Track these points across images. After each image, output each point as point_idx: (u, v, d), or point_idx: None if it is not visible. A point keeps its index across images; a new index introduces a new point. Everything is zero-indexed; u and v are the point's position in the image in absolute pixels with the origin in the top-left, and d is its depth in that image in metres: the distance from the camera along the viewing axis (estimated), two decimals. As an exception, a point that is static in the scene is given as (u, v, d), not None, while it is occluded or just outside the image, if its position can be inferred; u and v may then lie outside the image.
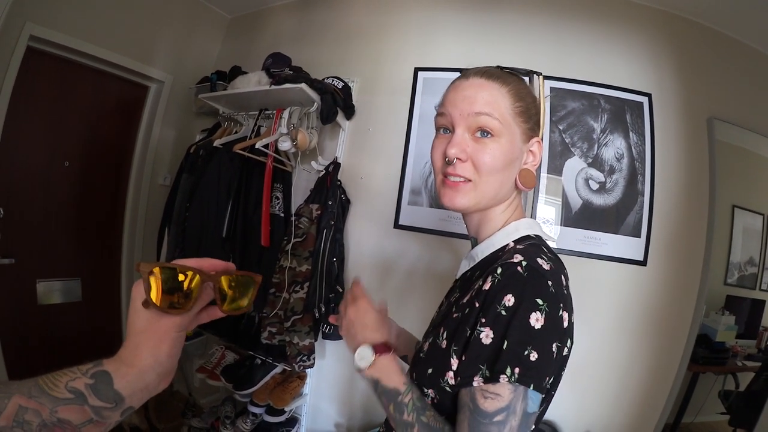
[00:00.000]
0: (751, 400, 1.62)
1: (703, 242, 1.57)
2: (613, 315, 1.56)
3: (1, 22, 1.50)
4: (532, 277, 0.50)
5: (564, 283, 0.53)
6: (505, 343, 0.48)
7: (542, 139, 0.66)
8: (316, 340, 1.69)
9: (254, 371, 1.81)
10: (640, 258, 1.60)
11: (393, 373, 0.60)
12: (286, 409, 1.75)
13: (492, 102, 0.59)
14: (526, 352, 0.47)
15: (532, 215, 1.65)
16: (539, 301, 0.48)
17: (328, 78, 1.80)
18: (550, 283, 0.50)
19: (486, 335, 0.50)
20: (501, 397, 0.48)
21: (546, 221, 1.66)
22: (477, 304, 0.53)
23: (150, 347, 0.40)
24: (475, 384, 0.49)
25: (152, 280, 0.39)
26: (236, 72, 2.00)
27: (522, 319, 0.48)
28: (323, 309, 1.65)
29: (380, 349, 0.63)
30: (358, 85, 1.91)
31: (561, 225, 1.65)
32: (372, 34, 1.96)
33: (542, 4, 1.76)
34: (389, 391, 0.58)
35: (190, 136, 2.32)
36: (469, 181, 0.60)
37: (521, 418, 0.48)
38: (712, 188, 1.62)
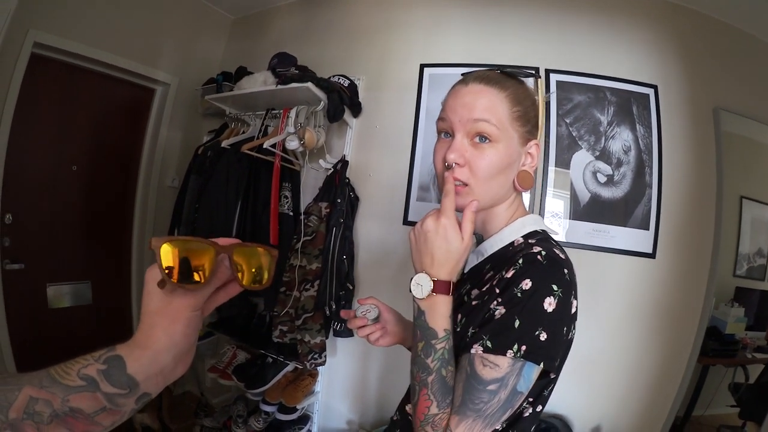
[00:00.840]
0: (760, 393, 1.62)
1: (711, 234, 1.57)
2: (622, 308, 1.56)
3: (4, 30, 1.50)
4: (551, 265, 0.54)
5: (574, 272, 0.58)
6: (517, 322, 0.51)
7: (540, 142, 0.68)
8: (327, 337, 1.70)
9: (266, 370, 1.82)
10: (649, 250, 1.60)
11: (440, 315, 0.57)
12: (298, 407, 1.76)
13: (490, 108, 0.61)
14: (536, 333, 0.51)
15: (541, 209, 1.65)
16: (554, 287, 0.52)
17: (334, 76, 1.80)
18: (566, 271, 0.55)
19: (498, 312, 0.54)
20: (499, 368, 0.51)
21: (555, 214, 1.66)
22: (497, 290, 0.56)
23: (164, 327, 0.39)
24: (473, 351, 0.53)
25: (164, 255, 0.38)
26: (242, 72, 2.01)
27: (536, 302, 0.52)
28: (334, 306, 1.65)
29: (441, 287, 0.57)
30: (365, 82, 1.91)
31: (570, 219, 1.65)
32: (377, 31, 1.96)
33: (546, -3, 1.76)
34: (428, 330, 0.58)
35: (198, 137, 2.34)
36: (466, 185, 0.62)
37: (509, 393, 0.52)
38: (719, 179, 1.61)
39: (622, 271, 1.58)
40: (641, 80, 1.67)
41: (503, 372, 0.51)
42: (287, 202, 1.79)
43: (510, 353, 0.50)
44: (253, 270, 0.45)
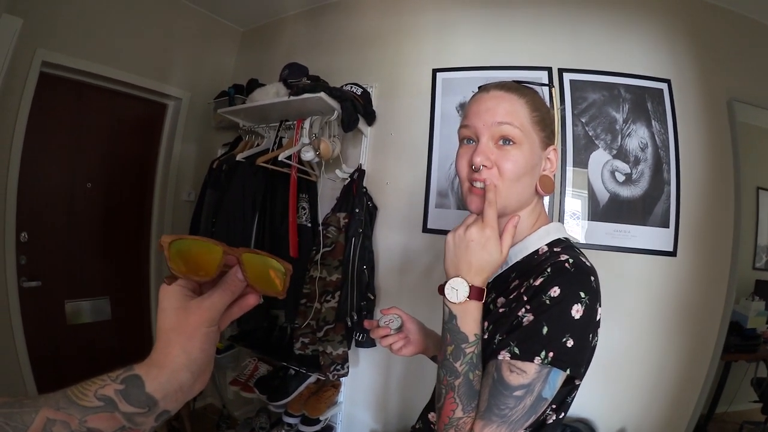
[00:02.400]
0: None
1: (730, 228, 1.55)
2: (645, 309, 1.54)
3: (11, 49, 1.50)
4: (579, 273, 0.56)
5: (598, 279, 0.58)
6: (545, 328, 0.52)
7: (558, 148, 0.70)
8: (349, 348, 1.70)
9: (288, 382, 1.82)
10: (670, 249, 1.58)
11: (472, 320, 0.58)
12: (321, 418, 1.75)
13: (512, 112, 0.63)
14: (564, 339, 0.52)
15: (561, 209, 1.64)
16: (582, 294, 0.53)
17: (346, 85, 1.80)
18: (592, 278, 0.56)
19: (527, 319, 0.54)
20: (526, 374, 0.52)
21: (574, 214, 1.64)
22: (525, 298, 0.57)
23: (181, 344, 0.38)
24: (500, 357, 0.54)
25: (172, 252, 0.38)
26: (254, 85, 2.01)
27: (564, 309, 0.53)
28: (355, 317, 1.65)
29: (476, 293, 0.58)
30: (377, 90, 1.90)
31: (589, 220, 1.63)
32: (388, 37, 1.96)
33: (555, -4, 1.75)
34: (458, 334, 0.59)
35: (212, 150, 2.35)
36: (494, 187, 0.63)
37: (535, 399, 0.52)
38: (736, 171, 1.59)
39: (643, 271, 1.56)
40: (654, 75, 1.66)
41: (530, 378, 0.52)
42: (305, 213, 1.79)
43: (537, 359, 0.51)
44: (264, 277, 0.45)
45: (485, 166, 0.62)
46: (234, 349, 2.11)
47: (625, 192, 1.65)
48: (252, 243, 1.76)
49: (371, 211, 1.77)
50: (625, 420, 1.53)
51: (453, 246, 0.62)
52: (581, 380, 0.59)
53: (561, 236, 0.67)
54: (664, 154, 1.64)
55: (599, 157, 1.66)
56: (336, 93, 1.66)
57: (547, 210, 1.58)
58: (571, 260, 0.57)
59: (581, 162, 1.67)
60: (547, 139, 0.67)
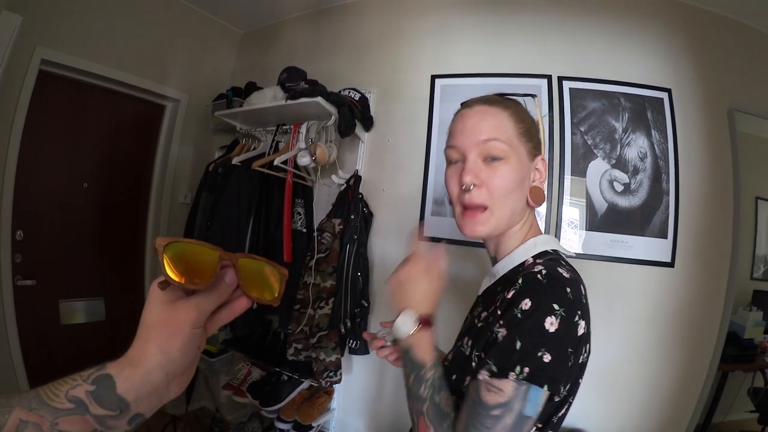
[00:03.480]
0: None
1: (729, 238, 1.54)
2: (642, 319, 1.53)
3: (10, 46, 1.50)
4: (551, 284, 0.53)
5: (583, 292, 0.56)
6: (518, 343, 0.50)
7: (546, 157, 0.70)
8: (342, 355, 1.68)
9: (281, 387, 1.81)
10: (668, 259, 1.57)
11: (426, 347, 0.61)
12: (313, 424, 1.73)
13: (498, 126, 0.63)
14: (539, 354, 0.49)
15: (558, 218, 1.63)
16: (555, 306, 0.51)
17: (344, 90, 1.79)
18: (568, 290, 0.53)
19: (501, 334, 0.53)
20: (503, 392, 0.50)
21: (571, 223, 1.63)
22: (499, 312, 0.55)
23: (160, 342, 0.37)
24: (480, 377, 0.53)
25: (168, 255, 0.37)
26: (252, 88, 2.00)
27: (537, 322, 0.50)
28: (349, 324, 1.64)
29: (425, 321, 0.62)
30: (375, 95, 1.89)
31: (587, 230, 1.62)
32: (386, 43, 1.95)
33: (556, 4, 1.74)
34: (415, 363, 0.60)
35: (209, 153, 2.34)
36: (486, 208, 0.63)
37: (516, 418, 0.50)
38: (735, 182, 1.58)
39: (641, 281, 1.55)
40: (655, 84, 1.65)
41: (507, 396, 0.50)
42: (300, 218, 1.78)
43: (512, 375, 0.49)
44: (260, 284, 0.44)
45: (475, 185, 0.62)
46: (227, 353, 2.10)
47: (624, 202, 1.63)
48: (246, 247, 1.75)
49: (367, 218, 1.76)
50: (620, 430, 1.51)
51: (397, 288, 0.65)
52: (567, 399, 0.57)
53: (549, 248, 0.65)
54: (664, 164, 1.63)
55: (598, 167, 1.65)
56: (333, 98, 1.65)
57: (544, 219, 1.61)
58: (544, 271, 0.54)
59: (579, 171, 1.66)
60: (535, 150, 0.67)
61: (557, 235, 1.62)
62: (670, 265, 1.55)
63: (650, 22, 1.66)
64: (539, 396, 0.50)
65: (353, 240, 1.64)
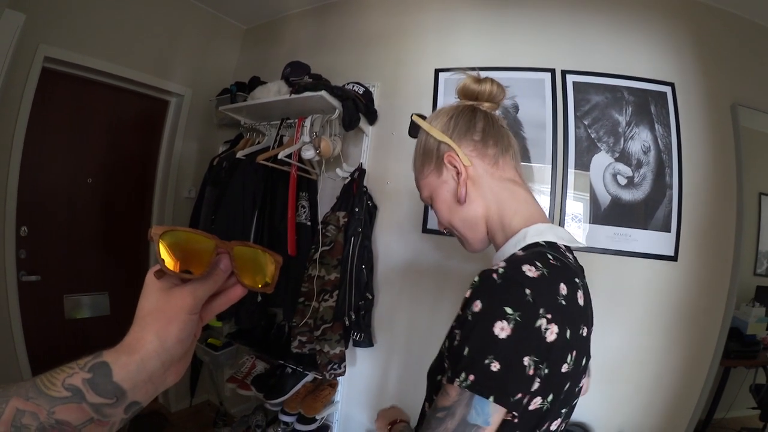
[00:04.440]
0: None
1: (732, 233, 1.53)
2: (645, 313, 1.53)
3: (13, 44, 1.51)
4: (504, 285, 0.49)
5: (563, 292, 0.50)
6: (466, 349, 0.47)
7: (455, 146, 0.66)
8: (346, 348, 1.69)
9: (285, 380, 1.81)
10: (671, 253, 1.57)
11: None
12: (317, 417, 1.75)
13: (416, 184, 0.73)
14: (486, 361, 0.45)
15: (562, 212, 1.63)
16: (508, 310, 0.46)
17: (348, 84, 1.79)
18: (528, 291, 0.47)
19: (457, 339, 0.50)
20: (448, 396, 0.48)
21: (575, 217, 1.64)
22: (460, 312, 0.52)
23: (156, 329, 0.37)
24: (444, 380, 0.51)
25: (164, 244, 0.37)
26: (255, 82, 2.01)
27: (485, 327, 0.46)
28: (353, 317, 1.64)
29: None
30: (380, 89, 1.89)
31: (590, 223, 1.63)
32: (390, 37, 1.95)
33: (560, -2, 1.74)
34: None
35: (213, 148, 2.34)
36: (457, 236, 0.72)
37: (458, 424, 0.47)
38: (738, 177, 1.58)
39: (644, 275, 1.55)
40: (658, 78, 1.65)
41: (451, 401, 0.47)
42: (305, 211, 1.79)
43: (457, 382, 0.46)
44: (255, 271, 0.44)
45: (447, 229, 0.72)
46: (232, 347, 2.11)
47: (627, 195, 1.64)
48: (251, 240, 1.75)
49: (371, 211, 1.76)
50: (622, 424, 1.51)
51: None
52: (550, 409, 0.50)
53: (541, 239, 0.59)
54: (667, 157, 1.63)
55: (601, 160, 1.65)
56: (337, 92, 1.65)
57: (547, 211, 1.61)
58: (501, 270, 0.50)
59: (583, 165, 1.66)
60: (438, 159, 0.68)
61: (560, 229, 1.61)
62: (674, 258, 1.55)
63: (654, 16, 1.66)
64: (485, 405, 0.46)
65: (357, 233, 1.65)
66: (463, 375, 0.46)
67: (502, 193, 0.66)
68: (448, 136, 0.66)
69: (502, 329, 0.45)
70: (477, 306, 0.48)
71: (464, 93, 0.71)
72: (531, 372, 0.46)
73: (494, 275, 0.50)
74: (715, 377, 1.51)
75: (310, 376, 1.82)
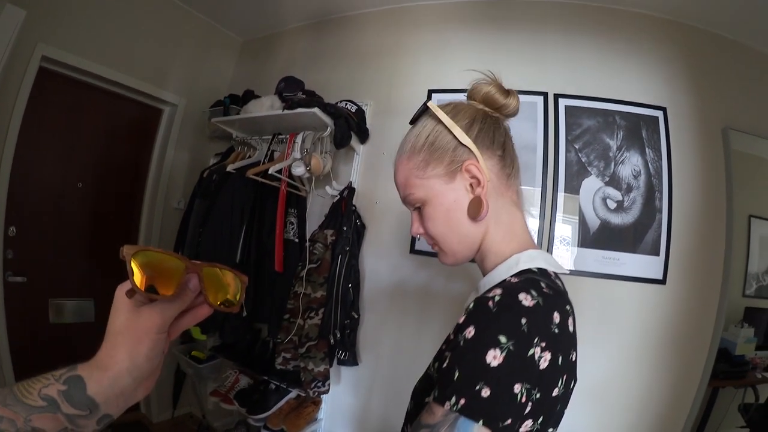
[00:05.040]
0: None
1: (721, 257, 1.55)
2: (633, 336, 1.53)
3: (12, 42, 1.51)
4: (500, 313, 0.48)
5: (557, 320, 0.50)
6: (457, 373, 0.47)
7: (478, 154, 0.60)
8: (331, 366, 1.68)
9: (268, 396, 1.80)
10: (660, 277, 1.57)
11: None
12: (300, 434, 1.73)
13: (405, 179, 0.64)
14: (477, 387, 0.45)
15: (551, 234, 1.63)
16: (502, 339, 0.46)
17: (341, 101, 1.79)
18: (524, 320, 0.47)
19: (446, 362, 0.50)
20: (433, 414, 0.47)
21: (564, 240, 1.64)
22: (452, 337, 0.53)
23: (127, 348, 0.38)
24: (429, 399, 0.50)
25: (135, 264, 0.38)
26: (249, 96, 2.01)
27: (477, 354, 0.46)
28: (338, 335, 1.63)
29: None
30: (372, 108, 1.90)
31: (579, 246, 1.63)
32: (384, 56, 1.96)
33: (553, 22, 1.75)
34: None
35: (204, 159, 2.34)
36: (437, 245, 0.65)
37: None
38: (729, 200, 1.59)
39: (632, 298, 1.55)
40: (650, 102, 1.66)
41: (436, 419, 0.46)
42: (293, 228, 1.78)
43: (448, 404, 0.46)
44: (222, 292, 0.45)
45: (420, 234, 0.66)
46: (216, 360, 2.09)
47: (616, 219, 1.64)
48: (238, 255, 1.74)
49: (359, 230, 1.76)
50: (610, 445, 1.51)
51: None
52: (539, 430, 0.52)
53: (533, 266, 0.58)
54: (657, 182, 1.64)
55: (591, 184, 1.66)
56: (330, 109, 1.65)
57: (536, 234, 1.61)
58: (497, 297, 0.49)
59: (573, 188, 1.66)
60: (454, 163, 0.61)
61: (549, 252, 1.62)
62: (662, 282, 1.56)
63: (647, 41, 1.67)
64: (471, 428, 0.45)
65: (345, 251, 1.64)
66: (453, 398, 0.46)
67: (503, 215, 0.64)
68: (472, 141, 0.61)
69: (494, 357, 0.45)
70: (470, 332, 0.48)
71: (485, 100, 0.65)
72: (523, 399, 0.46)
73: (490, 303, 0.49)
74: (703, 398, 1.51)
75: (293, 393, 1.80)
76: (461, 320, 0.51)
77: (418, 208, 0.64)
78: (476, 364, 0.46)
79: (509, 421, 0.46)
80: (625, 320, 1.54)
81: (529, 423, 0.49)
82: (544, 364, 0.48)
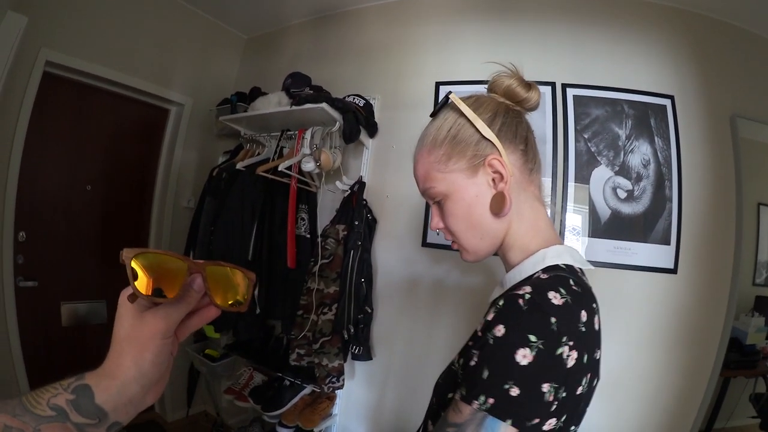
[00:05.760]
0: None
1: (731, 245, 1.54)
2: (645, 325, 1.53)
3: (15, 48, 1.51)
4: (531, 312, 0.48)
5: (584, 318, 0.50)
6: (486, 372, 0.47)
7: (501, 149, 0.59)
8: (345, 361, 1.68)
9: (283, 392, 1.80)
10: (671, 266, 1.57)
11: None
12: (315, 430, 1.73)
13: (425, 172, 0.63)
14: (506, 386, 0.45)
15: (561, 224, 1.63)
16: (531, 338, 0.46)
17: (349, 96, 1.79)
18: (553, 320, 0.47)
19: (474, 360, 0.50)
20: (461, 413, 0.48)
21: (574, 230, 1.63)
22: (480, 334, 0.52)
23: (133, 355, 0.38)
24: (456, 396, 0.50)
25: (135, 268, 0.37)
26: (256, 93, 2.01)
27: (507, 353, 0.46)
28: (352, 330, 1.63)
29: None
30: (380, 101, 1.89)
31: (590, 236, 1.62)
32: (391, 49, 1.95)
33: (560, 11, 1.74)
34: None
35: (213, 158, 2.34)
36: (456, 242, 0.65)
37: None
38: (738, 188, 1.59)
39: (643, 288, 1.55)
40: (658, 91, 1.65)
41: (464, 418, 0.47)
42: (304, 224, 1.78)
43: (476, 404, 0.46)
44: (228, 290, 0.44)
45: (440, 229, 0.65)
46: (229, 358, 2.10)
47: (627, 209, 1.64)
48: (250, 253, 1.74)
49: (370, 224, 1.76)
50: (622, 435, 1.51)
51: None
52: (562, 428, 0.51)
53: (561, 262, 0.58)
54: (667, 170, 1.63)
55: (601, 174, 1.66)
56: (338, 104, 1.65)
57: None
58: (528, 295, 0.49)
59: (583, 178, 1.66)
60: (476, 157, 0.60)
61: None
62: (673, 271, 1.56)
63: (653, 29, 1.66)
64: (498, 428, 0.46)
65: (357, 246, 1.64)
66: (482, 398, 0.46)
67: (526, 210, 0.63)
68: (495, 135, 0.60)
69: (524, 356, 0.46)
70: (500, 330, 0.48)
71: (506, 93, 0.64)
72: (550, 398, 0.46)
73: (520, 300, 0.49)
74: (715, 387, 1.50)
75: (308, 389, 1.81)
76: (490, 317, 0.51)
77: (438, 202, 0.63)
78: (506, 363, 0.46)
79: (537, 420, 0.46)
80: (637, 310, 1.54)
81: (553, 421, 0.48)
82: (570, 363, 0.47)
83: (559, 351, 0.46)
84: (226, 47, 2.50)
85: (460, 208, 0.61)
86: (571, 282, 0.53)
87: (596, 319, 0.54)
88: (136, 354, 0.38)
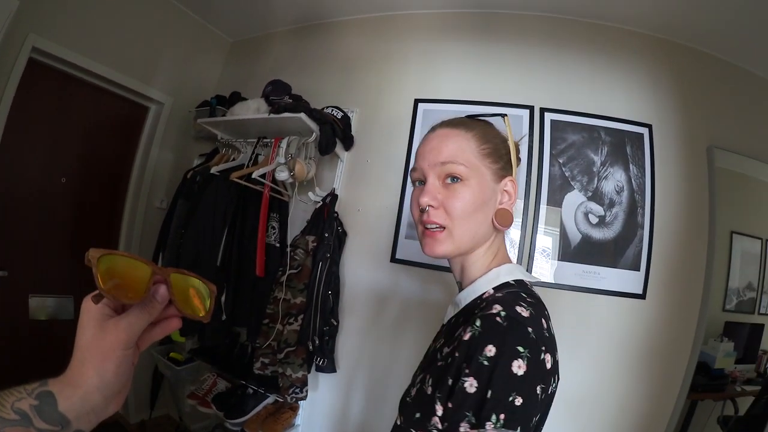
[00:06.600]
0: (750, 425, 1.60)
1: (702, 273, 1.57)
2: (612, 349, 1.55)
3: (4, 31, 1.49)
4: (512, 327, 0.52)
5: (545, 325, 0.55)
6: (490, 392, 0.49)
7: (516, 179, 0.67)
8: (309, 372, 1.67)
9: (246, 400, 1.78)
10: (639, 291, 1.60)
11: None
12: (277, 440, 1.71)
13: (456, 149, 0.63)
14: (510, 399, 0.49)
15: (532, 245, 1.64)
16: (520, 349, 0.50)
17: (327, 108, 1.79)
18: (530, 329, 0.52)
19: (470, 384, 0.51)
20: None
21: (544, 251, 1.65)
22: (458, 354, 0.53)
23: (95, 365, 0.38)
24: (462, 430, 0.51)
25: (101, 269, 0.37)
26: (236, 98, 1.99)
27: (504, 368, 0.50)
28: (317, 342, 1.62)
29: None
30: (358, 115, 1.90)
31: (559, 260, 1.64)
32: (373, 64, 1.96)
33: (542, 36, 1.76)
34: None
35: (188, 159, 2.31)
36: (444, 228, 0.62)
37: None
38: (711, 217, 1.62)
39: (611, 312, 1.57)
40: (636, 119, 1.68)
41: None
42: (274, 233, 1.77)
43: (489, 425, 0.48)
44: (191, 300, 0.45)
45: (432, 206, 0.62)
46: (194, 363, 2.07)
47: (598, 234, 1.65)
48: (219, 258, 1.72)
49: (341, 237, 1.75)
50: (586, 458, 1.51)
51: None
52: (541, 425, 0.57)
53: (511, 279, 0.63)
54: (640, 197, 1.66)
55: (574, 198, 1.68)
56: (316, 115, 1.65)
57: (518, 246, 1.61)
58: (503, 312, 0.53)
59: (555, 201, 1.68)
60: (503, 171, 0.65)
61: (530, 263, 1.63)
62: (642, 296, 1.58)
63: (634, 58, 1.69)
64: None
65: (326, 258, 1.63)
66: (494, 417, 0.49)
67: (500, 234, 0.68)
68: (514, 165, 0.67)
69: (519, 367, 0.50)
70: (491, 350, 0.50)
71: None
72: (541, 398, 0.52)
73: (498, 318, 0.52)
74: (681, 410, 1.53)
75: (271, 398, 1.79)
76: (467, 337, 0.53)
77: (452, 180, 0.62)
78: (506, 377, 0.49)
79: (535, 419, 0.52)
80: (604, 333, 1.56)
81: (535, 419, 0.53)
82: (549, 365, 0.53)
83: (542, 356, 0.52)
84: (211, 49, 2.49)
85: (473, 197, 0.62)
86: (524, 295, 0.59)
87: (551, 324, 0.58)
88: (98, 364, 0.38)
